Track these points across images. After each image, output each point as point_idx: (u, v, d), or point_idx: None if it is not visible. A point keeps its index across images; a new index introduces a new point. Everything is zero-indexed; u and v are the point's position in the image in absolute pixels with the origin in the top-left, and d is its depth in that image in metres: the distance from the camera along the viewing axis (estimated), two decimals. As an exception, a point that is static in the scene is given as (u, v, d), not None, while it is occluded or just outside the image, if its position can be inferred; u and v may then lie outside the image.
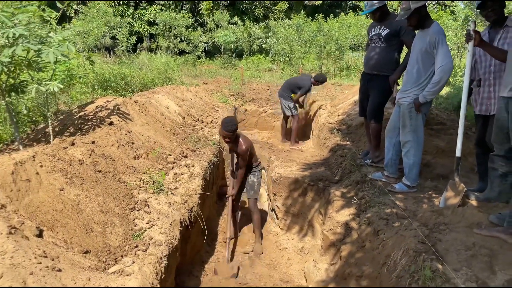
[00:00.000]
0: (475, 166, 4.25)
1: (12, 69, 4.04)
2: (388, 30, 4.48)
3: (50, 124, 4.35)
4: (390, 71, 4.59)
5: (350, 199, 4.22)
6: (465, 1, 10.45)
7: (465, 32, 3.35)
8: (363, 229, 3.62)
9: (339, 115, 7.69)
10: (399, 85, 4.67)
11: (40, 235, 2.45)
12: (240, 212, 5.51)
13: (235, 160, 4.98)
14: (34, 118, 5.97)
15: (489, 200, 3.40)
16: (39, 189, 2.74)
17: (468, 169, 4.55)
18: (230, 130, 4.37)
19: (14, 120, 4.31)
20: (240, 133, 4.63)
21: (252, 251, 4.98)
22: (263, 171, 5.02)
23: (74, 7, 14.68)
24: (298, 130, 8.16)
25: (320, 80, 7.98)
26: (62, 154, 3.25)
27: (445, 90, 9.03)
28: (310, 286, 4.06)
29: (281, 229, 5.40)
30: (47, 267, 2.13)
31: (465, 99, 3.39)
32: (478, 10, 3.56)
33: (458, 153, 3.46)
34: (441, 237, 2.86)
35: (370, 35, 4.74)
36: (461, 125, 3.40)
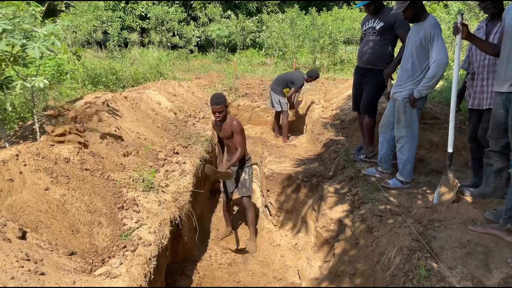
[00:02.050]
0: (469, 161, 4.21)
1: (-4, 65, 3.93)
2: (383, 24, 4.41)
3: (37, 121, 4.24)
4: (384, 65, 4.53)
5: (344, 195, 4.17)
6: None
7: (452, 25, 3.29)
8: (356, 226, 3.57)
9: (332, 110, 7.63)
10: (393, 79, 4.61)
11: (23, 237, 2.37)
12: (234, 208, 5.43)
13: (223, 156, 4.90)
14: (22, 115, 5.84)
15: (484, 196, 3.36)
16: (23, 189, 2.65)
17: (462, 164, 4.51)
18: (216, 103, 4.21)
19: (0, 117, 4.21)
20: (230, 114, 4.52)
21: (245, 248, 4.92)
22: (255, 167, 4.90)
23: (65, 0, 14.43)
24: (289, 126, 8.08)
25: (313, 76, 7.98)
26: (47, 153, 3.16)
27: (439, 84, 8.99)
28: (304, 284, 4.01)
29: (274, 225, 5.34)
30: (30, 270, 2.05)
31: (455, 93, 3.32)
32: (477, 2, 3.50)
33: (450, 149, 3.40)
34: (435, 234, 2.81)
35: (364, 28, 4.66)
36: (452, 120, 3.34)
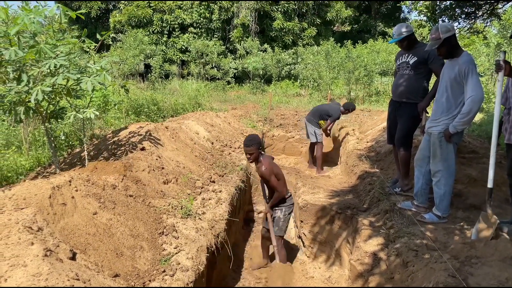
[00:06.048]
0: (509, 197, 4.11)
1: (52, 97, 4.29)
2: (416, 58, 4.49)
3: (85, 149, 4.54)
4: (418, 99, 4.57)
5: (379, 228, 4.15)
6: (497, 27, 10.31)
7: (494, 62, 3.34)
8: (391, 260, 3.54)
9: (367, 142, 7.63)
10: (428, 112, 4.62)
11: (73, 258, 2.55)
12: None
13: (266, 192, 4.83)
14: (70, 143, 6.25)
15: (525, 233, 3.28)
16: (74, 212, 2.86)
17: (502, 200, 4.39)
18: (247, 145, 4.33)
19: (53, 144, 4.54)
20: (264, 155, 4.54)
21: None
22: (293, 207, 4.85)
23: (112, 35, 15.40)
24: (323, 157, 8.12)
25: (350, 108, 8.11)
26: (96, 179, 3.39)
27: (478, 117, 8.81)
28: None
29: (307, 257, 5.33)
30: (79, 289, 2.21)
31: (496, 128, 3.32)
32: None
33: (490, 184, 3.36)
34: (472, 271, 2.77)
35: (398, 63, 4.75)
36: (493, 155, 3.32)
